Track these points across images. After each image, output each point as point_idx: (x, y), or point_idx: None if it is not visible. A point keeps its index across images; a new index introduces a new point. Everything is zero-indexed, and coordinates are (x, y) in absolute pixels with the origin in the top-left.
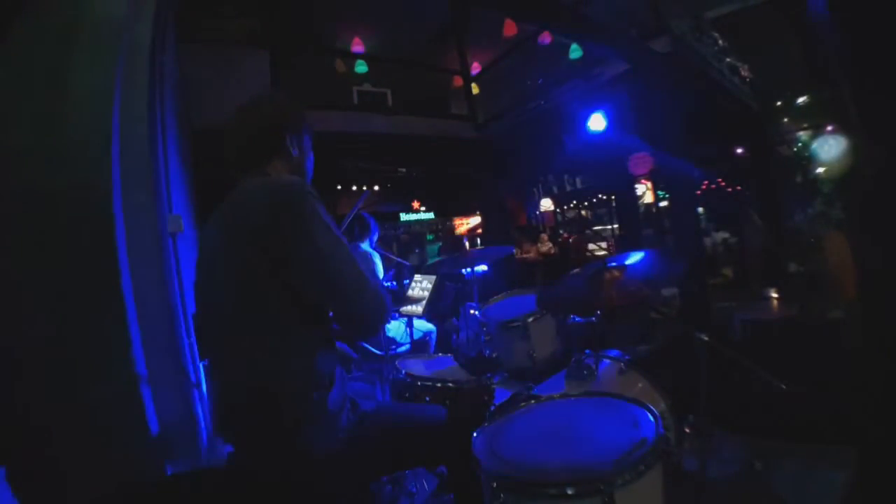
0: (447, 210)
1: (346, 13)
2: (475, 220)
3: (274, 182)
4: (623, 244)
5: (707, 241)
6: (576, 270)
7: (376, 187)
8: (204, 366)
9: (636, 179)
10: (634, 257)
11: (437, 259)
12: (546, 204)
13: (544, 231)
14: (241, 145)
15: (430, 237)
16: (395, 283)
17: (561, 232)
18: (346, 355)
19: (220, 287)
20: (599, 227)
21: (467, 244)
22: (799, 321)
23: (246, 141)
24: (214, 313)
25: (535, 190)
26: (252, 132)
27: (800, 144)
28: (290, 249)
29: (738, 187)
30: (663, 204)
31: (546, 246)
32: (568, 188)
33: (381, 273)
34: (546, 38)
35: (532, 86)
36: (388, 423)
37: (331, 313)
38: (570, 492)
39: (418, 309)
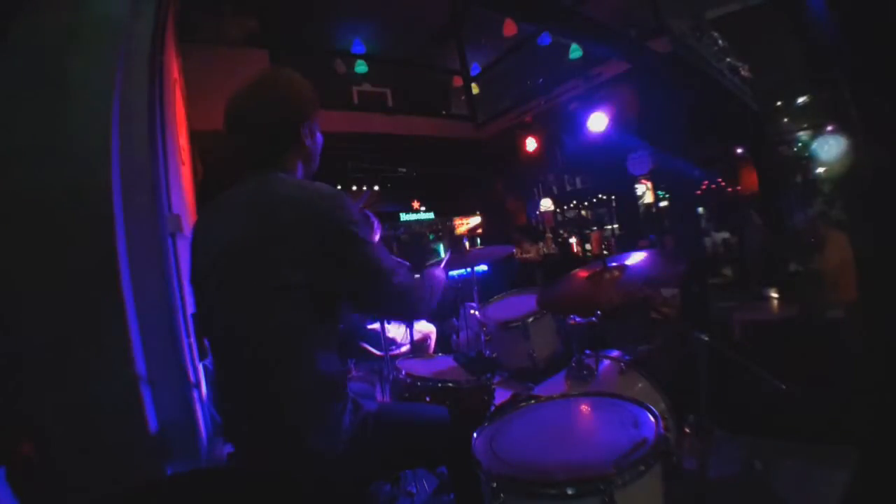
0: (447, 210)
1: (346, 13)
2: (475, 220)
3: (317, 186)
4: (623, 244)
5: (707, 241)
6: (581, 272)
7: (376, 187)
8: (204, 366)
9: (636, 179)
10: (634, 257)
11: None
12: (546, 204)
13: (546, 231)
14: (255, 134)
15: (430, 237)
16: None
17: (561, 232)
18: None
19: (231, 287)
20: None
21: (467, 244)
22: (799, 321)
23: (260, 130)
24: (221, 313)
25: (535, 190)
26: (267, 121)
27: (800, 144)
28: (348, 260)
29: (738, 187)
30: (663, 204)
31: (550, 247)
32: (568, 188)
33: None
34: (546, 37)
35: (532, 85)
36: (390, 424)
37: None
38: (569, 492)
39: None
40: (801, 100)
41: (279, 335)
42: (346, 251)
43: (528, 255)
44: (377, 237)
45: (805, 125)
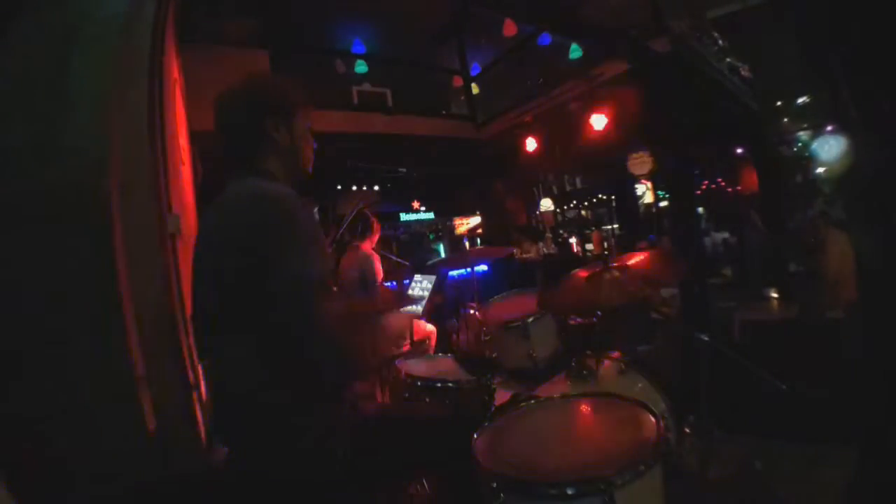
0: (447, 210)
1: (346, 13)
2: (475, 220)
3: (263, 192)
4: (623, 244)
5: (707, 241)
6: (581, 272)
7: (376, 187)
8: (203, 366)
9: (636, 179)
10: (634, 257)
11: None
12: (546, 204)
13: (546, 231)
14: (224, 136)
15: (431, 236)
16: (394, 282)
17: (561, 232)
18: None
19: (210, 289)
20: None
21: (467, 244)
22: (799, 321)
23: (227, 130)
24: (206, 314)
25: (535, 190)
26: (230, 119)
27: (800, 144)
28: (268, 269)
29: (738, 187)
30: (663, 204)
31: (550, 247)
32: (568, 188)
33: (380, 275)
34: (546, 38)
35: (532, 85)
36: (389, 425)
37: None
38: (570, 492)
39: (418, 309)
40: (801, 100)
41: (270, 337)
42: (271, 254)
43: (528, 255)
44: (376, 237)
45: (805, 125)
